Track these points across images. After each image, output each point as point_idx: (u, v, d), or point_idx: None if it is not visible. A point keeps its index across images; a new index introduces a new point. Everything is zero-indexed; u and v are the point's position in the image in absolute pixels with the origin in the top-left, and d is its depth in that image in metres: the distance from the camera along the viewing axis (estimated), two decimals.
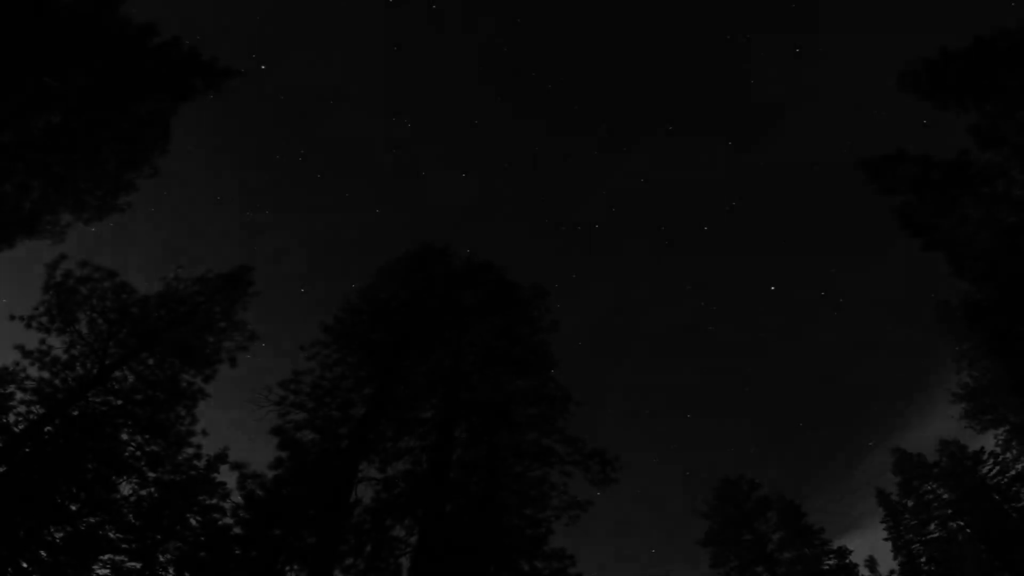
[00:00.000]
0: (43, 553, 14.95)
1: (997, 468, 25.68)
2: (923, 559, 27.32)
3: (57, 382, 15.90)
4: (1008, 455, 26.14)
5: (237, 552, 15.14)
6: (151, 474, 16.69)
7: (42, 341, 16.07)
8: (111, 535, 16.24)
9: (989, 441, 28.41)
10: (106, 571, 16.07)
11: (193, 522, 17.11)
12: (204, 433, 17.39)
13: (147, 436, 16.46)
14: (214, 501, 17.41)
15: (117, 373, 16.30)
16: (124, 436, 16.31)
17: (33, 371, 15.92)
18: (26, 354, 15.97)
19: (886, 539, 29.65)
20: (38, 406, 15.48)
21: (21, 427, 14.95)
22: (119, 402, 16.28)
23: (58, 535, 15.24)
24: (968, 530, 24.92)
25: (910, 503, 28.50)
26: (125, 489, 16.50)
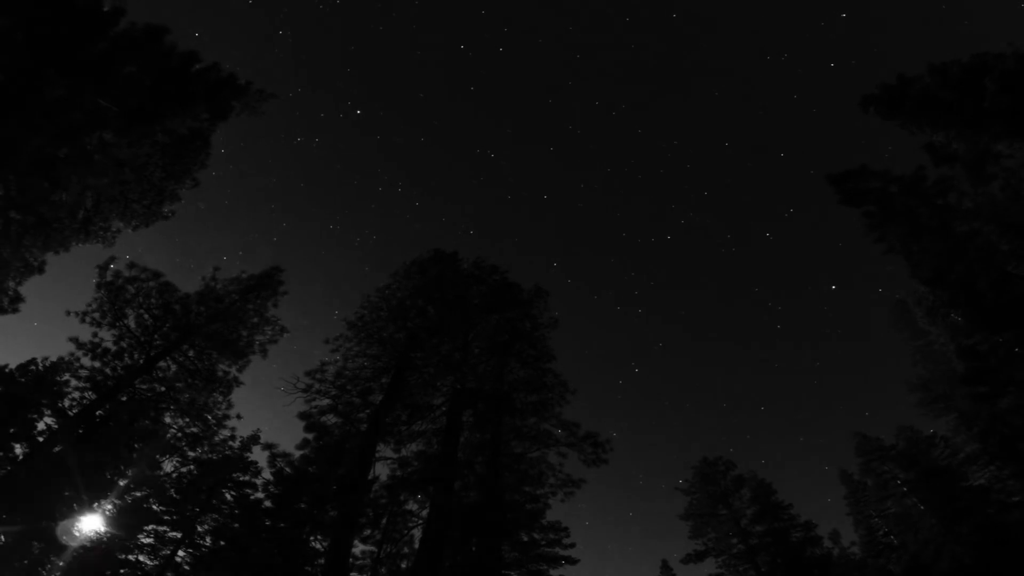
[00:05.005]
0: None
1: (948, 451, 25.76)
2: (881, 532, 27.42)
3: (107, 371, 15.99)
4: (957, 439, 26.25)
5: (267, 523, 15.25)
6: (191, 453, 16.82)
7: (94, 334, 16.16)
8: (155, 508, 16.37)
9: (941, 427, 28.54)
10: (150, 540, 16.22)
11: (228, 496, 17.24)
12: (239, 417, 17.50)
13: (187, 419, 16.56)
14: (247, 478, 17.53)
15: (161, 363, 16.38)
16: (167, 419, 16.42)
17: (86, 361, 16.02)
18: (80, 346, 16.07)
19: (848, 514, 29.76)
20: (91, 392, 15.58)
21: (75, 411, 15.05)
22: (163, 389, 16.37)
23: (108, 507, 15.35)
24: (922, 506, 24.96)
25: (870, 482, 28.54)
26: (167, 466, 16.65)
